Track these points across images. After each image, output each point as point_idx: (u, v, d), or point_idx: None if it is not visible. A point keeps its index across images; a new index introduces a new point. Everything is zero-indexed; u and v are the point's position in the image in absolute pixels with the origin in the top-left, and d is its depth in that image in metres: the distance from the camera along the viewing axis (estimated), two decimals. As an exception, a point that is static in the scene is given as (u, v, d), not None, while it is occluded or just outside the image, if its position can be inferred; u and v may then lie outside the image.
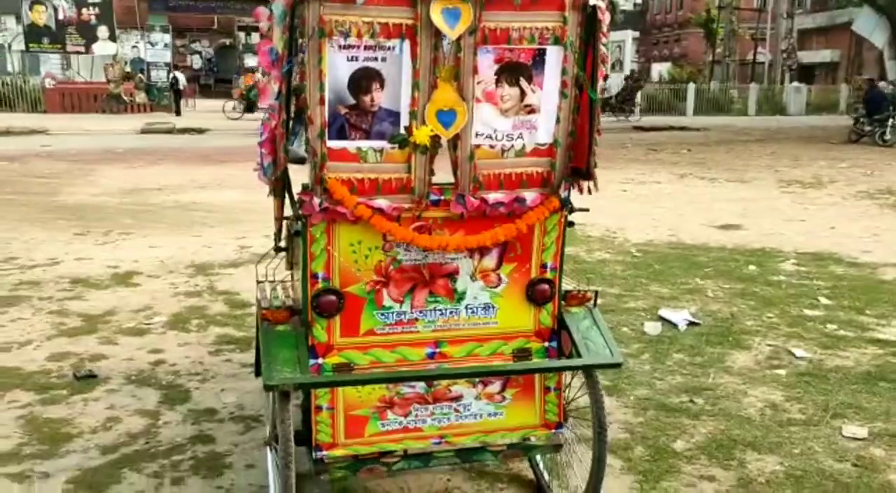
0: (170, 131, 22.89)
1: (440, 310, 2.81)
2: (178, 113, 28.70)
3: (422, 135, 2.55)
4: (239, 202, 10.51)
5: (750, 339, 5.38)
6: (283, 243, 3.23)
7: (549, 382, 3.00)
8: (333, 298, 2.67)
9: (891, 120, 21.22)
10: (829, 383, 4.61)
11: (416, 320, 2.79)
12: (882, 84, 25.01)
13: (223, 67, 43.67)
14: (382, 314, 2.75)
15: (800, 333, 5.52)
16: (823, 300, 6.33)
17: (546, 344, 2.97)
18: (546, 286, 2.88)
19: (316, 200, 2.53)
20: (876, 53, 29.91)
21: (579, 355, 2.82)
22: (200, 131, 22.84)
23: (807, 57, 45.29)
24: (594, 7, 2.57)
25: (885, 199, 11.95)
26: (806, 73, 44.57)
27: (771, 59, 42.65)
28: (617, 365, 2.86)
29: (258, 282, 3.09)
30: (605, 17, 2.63)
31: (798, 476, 3.53)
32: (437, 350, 2.85)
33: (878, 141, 21.04)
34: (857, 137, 21.99)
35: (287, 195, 2.86)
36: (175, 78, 29.96)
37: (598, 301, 3.07)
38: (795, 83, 39.05)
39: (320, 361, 2.74)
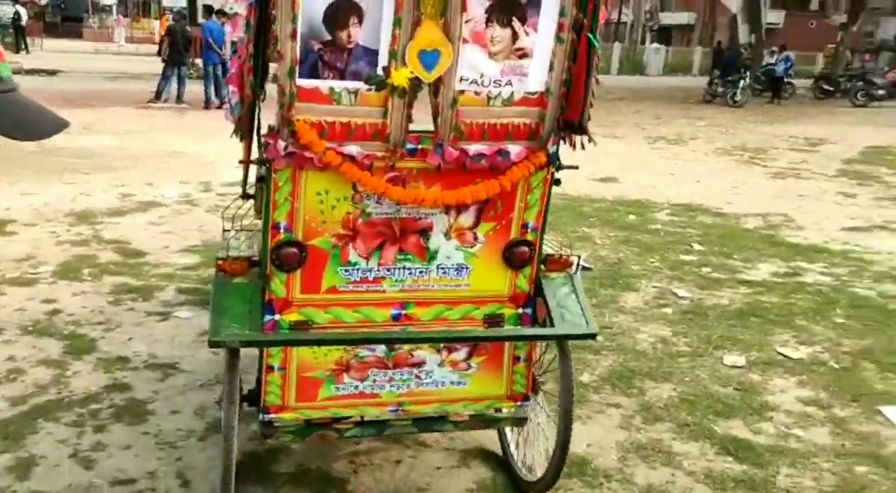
0: (17, 72, 21.08)
1: (409, 269, 2.62)
2: (20, 51, 26.41)
3: (400, 76, 2.33)
4: (112, 148, 9.99)
5: (637, 281, 5.79)
6: (251, 190, 3.09)
7: (520, 351, 2.85)
8: (295, 250, 2.47)
9: (741, 82, 22.75)
10: (708, 320, 5.07)
11: (383, 278, 2.61)
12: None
13: (72, 4, 40.50)
14: (347, 271, 2.56)
15: (679, 276, 6.00)
16: (697, 246, 6.87)
17: (520, 310, 2.80)
18: (526, 249, 2.69)
19: (281, 144, 2.30)
20: (729, 17, 31.74)
21: (553, 324, 2.67)
22: (52, 73, 21.22)
23: (665, 19, 47.46)
24: None
25: (741, 155, 12.91)
26: (664, 35, 46.74)
27: (633, 20, 44.37)
28: (592, 335, 2.72)
29: (224, 230, 2.87)
30: None
31: (691, 400, 3.92)
32: (403, 312, 2.67)
33: (730, 102, 22.53)
34: (710, 98, 23.44)
35: (256, 137, 2.59)
36: (17, 13, 27.53)
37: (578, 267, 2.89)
38: (655, 44, 40.90)
39: (276, 317, 2.56)
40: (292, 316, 2.58)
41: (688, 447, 3.49)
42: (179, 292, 5.12)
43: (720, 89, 23.33)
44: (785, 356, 4.52)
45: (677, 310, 5.23)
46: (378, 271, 2.59)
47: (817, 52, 35.62)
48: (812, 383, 4.18)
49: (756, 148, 13.69)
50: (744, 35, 29.08)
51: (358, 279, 2.58)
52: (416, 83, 2.35)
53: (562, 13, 2.37)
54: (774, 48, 26.83)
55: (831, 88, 25.71)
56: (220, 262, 2.56)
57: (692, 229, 7.53)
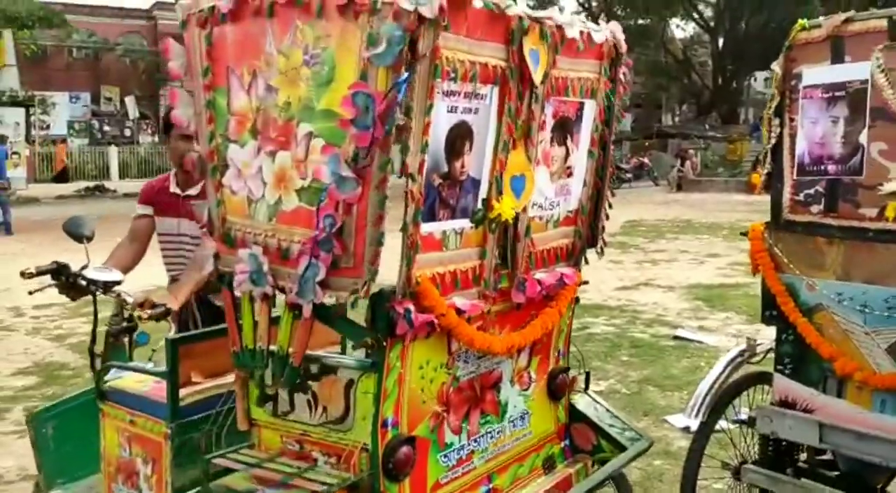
0: None
1: (490, 433, 2.31)
2: None
3: (506, 208, 2.11)
4: None
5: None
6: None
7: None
8: (408, 449, 1.98)
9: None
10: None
11: (473, 452, 2.25)
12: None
13: None
14: (445, 457, 2.16)
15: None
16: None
17: (563, 444, 2.60)
18: (564, 376, 2.57)
19: (413, 310, 1.88)
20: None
21: (614, 447, 2.56)
22: None
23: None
24: (619, 57, 2.41)
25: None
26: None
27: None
28: (650, 444, 2.67)
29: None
30: (628, 73, 2.49)
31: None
32: (490, 486, 2.33)
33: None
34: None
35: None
36: None
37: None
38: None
39: None
40: None
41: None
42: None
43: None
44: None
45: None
46: (469, 445, 2.24)
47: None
48: (612, 406, 5.13)
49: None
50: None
51: (455, 463, 2.20)
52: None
53: (595, 129, 2.42)
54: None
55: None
56: None
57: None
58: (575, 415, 2.64)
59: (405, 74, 1.71)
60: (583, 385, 2.72)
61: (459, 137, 1.98)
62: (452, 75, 1.86)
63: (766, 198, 3.05)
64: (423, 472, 2.08)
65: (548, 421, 2.55)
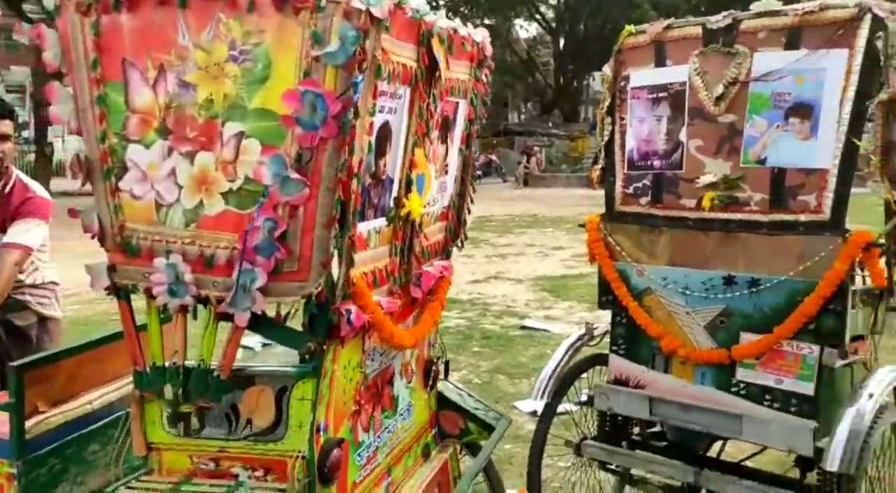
0: None
1: (388, 427, 2.32)
2: None
3: (415, 205, 2.15)
4: None
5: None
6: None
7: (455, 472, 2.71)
8: (339, 451, 1.96)
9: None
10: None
11: (377, 448, 2.26)
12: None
13: None
14: (359, 456, 2.16)
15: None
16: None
17: (433, 432, 2.67)
18: (437, 367, 2.64)
19: (353, 311, 1.88)
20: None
21: (482, 428, 2.67)
22: None
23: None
24: (485, 59, 2.51)
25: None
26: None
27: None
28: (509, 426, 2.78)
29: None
30: (489, 74, 2.59)
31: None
32: (389, 479, 2.35)
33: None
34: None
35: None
36: None
37: None
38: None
39: None
40: None
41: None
42: None
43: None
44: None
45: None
46: (375, 441, 2.24)
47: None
48: (465, 395, 5.31)
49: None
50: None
51: (366, 461, 2.20)
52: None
53: (466, 128, 2.51)
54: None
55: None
56: None
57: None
58: (442, 402, 2.72)
59: (359, 75, 1.70)
60: (442, 374, 2.80)
61: (384, 138, 2.00)
62: (386, 76, 1.87)
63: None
64: (345, 473, 2.07)
65: (424, 411, 2.61)
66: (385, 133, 2.00)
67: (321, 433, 1.92)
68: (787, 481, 3.03)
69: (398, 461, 2.40)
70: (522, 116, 46.34)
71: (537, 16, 38.47)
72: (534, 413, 4.72)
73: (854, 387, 2.81)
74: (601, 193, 3.32)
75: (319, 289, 1.80)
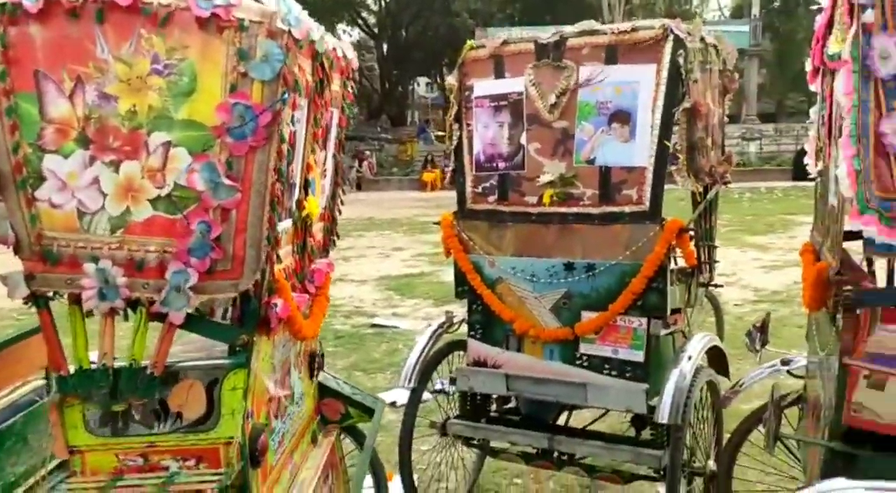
0: None
1: (290, 414, 2.47)
2: None
3: (313, 207, 2.36)
4: None
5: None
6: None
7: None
8: (265, 436, 2.17)
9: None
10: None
11: (284, 434, 2.43)
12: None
13: None
14: (273, 441, 2.31)
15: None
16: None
17: (318, 418, 2.82)
18: (320, 357, 2.79)
19: (280, 304, 2.10)
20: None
21: (362, 411, 2.85)
22: None
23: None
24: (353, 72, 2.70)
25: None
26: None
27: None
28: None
29: None
30: (353, 86, 2.78)
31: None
32: (293, 463, 2.52)
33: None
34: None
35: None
36: None
37: None
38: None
39: None
40: None
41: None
42: None
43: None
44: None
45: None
46: (283, 427, 2.41)
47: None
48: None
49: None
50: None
51: (278, 445, 2.36)
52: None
53: (338, 134, 2.73)
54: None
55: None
56: None
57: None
58: (322, 391, 2.88)
59: (284, 90, 1.88)
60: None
61: (293, 146, 2.15)
62: (299, 89, 2.04)
63: (438, 194, 3.65)
64: (265, 457, 2.21)
65: (311, 399, 2.76)
66: (294, 142, 2.16)
67: (249, 420, 2.08)
68: (626, 438, 3.49)
69: (297, 446, 2.56)
70: (352, 121, 46.30)
71: (359, 21, 38.69)
72: (393, 404, 4.98)
73: (676, 352, 3.29)
74: (433, 195, 3.68)
75: (257, 286, 1.97)
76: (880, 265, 2.77)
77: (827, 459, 2.25)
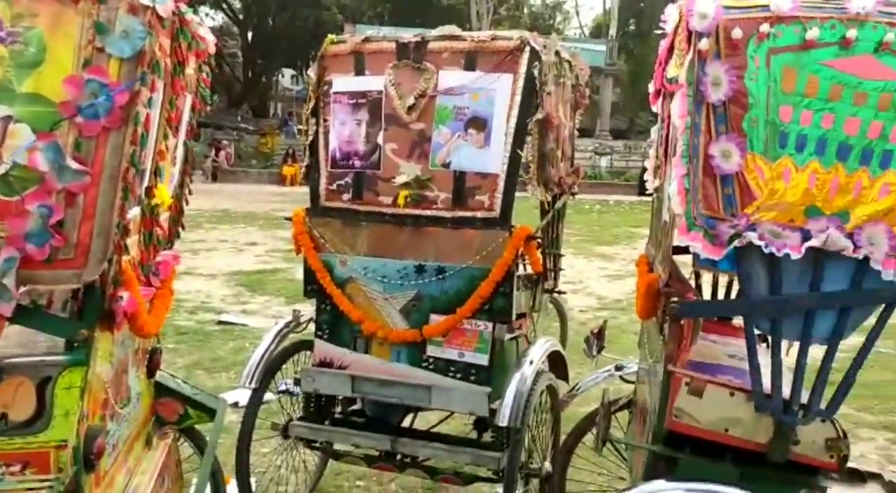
0: None
1: (125, 416, 2.32)
2: None
3: (164, 195, 2.23)
4: None
5: None
6: None
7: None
8: (101, 438, 2.01)
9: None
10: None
11: (119, 437, 2.28)
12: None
13: None
14: (108, 444, 2.14)
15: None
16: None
17: (153, 419, 2.68)
18: (158, 355, 2.64)
19: (127, 297, 1.95)
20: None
21: (203, 411, 2.72)
22: None
23: None
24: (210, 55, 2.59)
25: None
26: None
27: None
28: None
29: None
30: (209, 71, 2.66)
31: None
32: (126, 467, 2.36)
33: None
34: None
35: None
36: None
37: None
38: None
39: None
40: None
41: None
42: None
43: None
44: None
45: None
46: (117, 429, 2.25)
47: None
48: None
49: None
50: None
51: (112, 448, 2.21)
52: None
53: (191, 119, 2.56)
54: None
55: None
56: None
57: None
58: (159, 390, 2.74)
59: (146, 69, 1.75)
60: None
61: (148, 130, 2.02)
62: (158, 71, 1.91)
63: (297, 189, 3.53)
64: (100, 461, 2.06)
65: (147, 399, 2.62)
66: (149, 125, 2.04)
67: (85, 420, 1.93)
68: (468, 441, 3.54)
69: (131, 449, 2.43)
70: (209, 108, 44.67)
71: (224, 4, 37.36)
72: (235, 404, 4.81)
73: (518, 357, 3.38)
74: (293, 189, 3.59)
75: (103, 277, 1.82)
76: (707, 279, 2.97)
77: (650, 461, 2.37)
